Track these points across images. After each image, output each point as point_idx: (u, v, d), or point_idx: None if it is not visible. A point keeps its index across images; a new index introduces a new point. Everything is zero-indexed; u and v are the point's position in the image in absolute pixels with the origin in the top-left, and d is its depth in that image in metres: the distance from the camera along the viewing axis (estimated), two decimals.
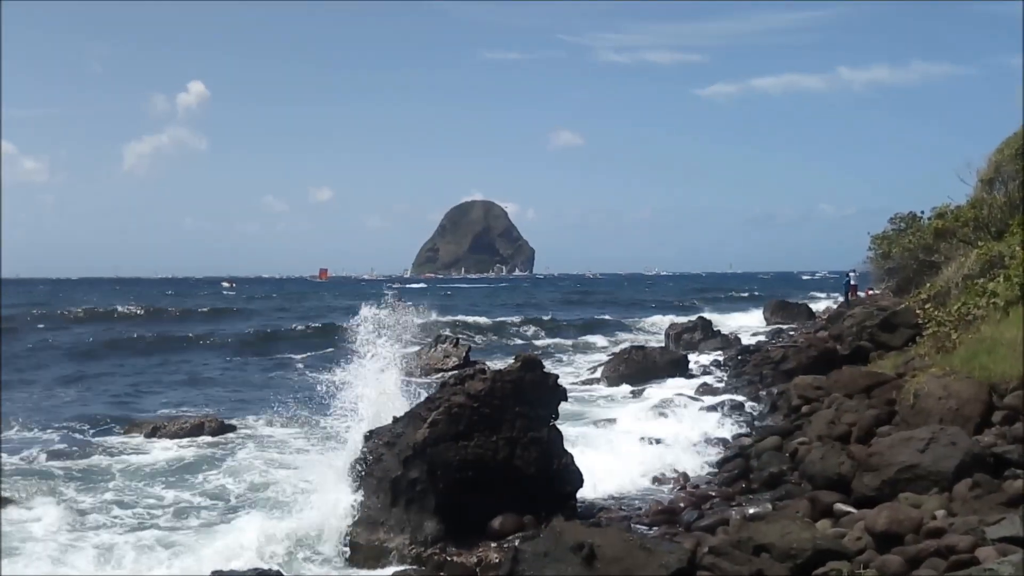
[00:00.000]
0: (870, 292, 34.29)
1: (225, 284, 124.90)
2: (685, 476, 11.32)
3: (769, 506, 8.95)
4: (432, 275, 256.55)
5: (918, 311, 16.05)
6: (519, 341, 35.59)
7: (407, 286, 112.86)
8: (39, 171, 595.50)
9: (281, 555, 8.74)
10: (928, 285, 19.02)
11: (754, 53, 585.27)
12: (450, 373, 16.53)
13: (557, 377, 10.40)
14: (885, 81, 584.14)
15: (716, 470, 11.45)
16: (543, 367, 10.33)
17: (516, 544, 7.76)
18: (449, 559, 8.59)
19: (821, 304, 46.20)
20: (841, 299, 39.25)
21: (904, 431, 9.08)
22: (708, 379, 19.91)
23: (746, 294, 73.89)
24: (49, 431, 15.73)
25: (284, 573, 7.74)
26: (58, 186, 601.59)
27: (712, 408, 15.23)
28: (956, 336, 12.76)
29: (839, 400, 11.39)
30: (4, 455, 13.35)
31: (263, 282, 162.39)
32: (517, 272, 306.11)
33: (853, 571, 6.45)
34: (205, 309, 55.29)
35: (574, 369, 24.57)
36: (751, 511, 8.77)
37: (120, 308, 52.37)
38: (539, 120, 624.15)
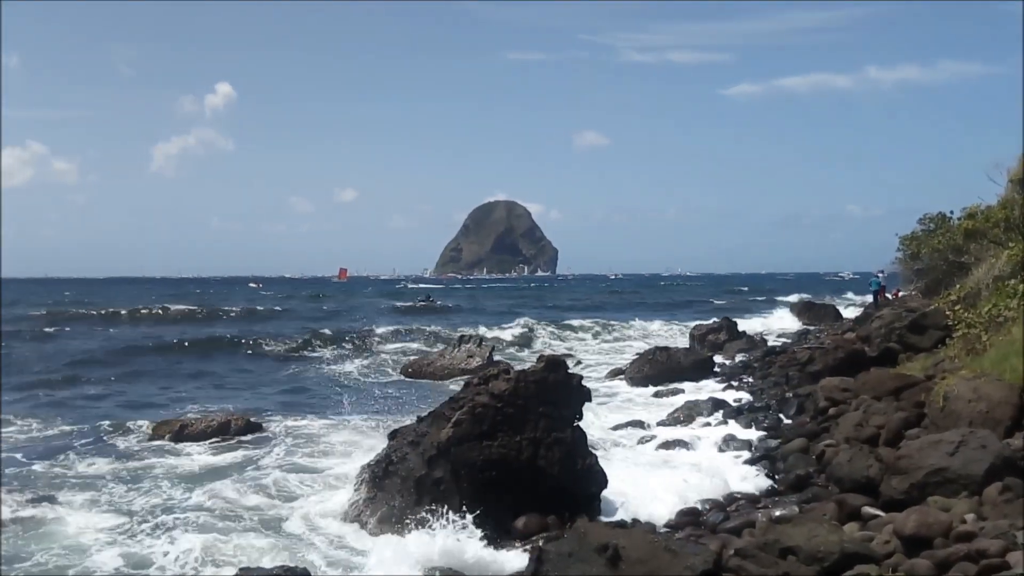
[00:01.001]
0: (898, 293, 33.89)
1: (252, 284, 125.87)
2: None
3: (796, 508, 8.89)
4: (453, 275, 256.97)
5: (948, 313, 15.82)
6: (543, 342, 35.58)
7: (421, 286, 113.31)
8: (69, 172, 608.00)
9: (314, 552, 8.83)
10: (958, 286, 18.72)
11: (780, 52, 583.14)
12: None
13: (581, 378, 10.40)
14: (914, 80, 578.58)
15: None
16: (567, 367, 10.35)
17: (540, 544, 7.76)
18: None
19: (852, 312, 39.82)
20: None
21: (933, 434, 8.98)
22: (733, 381, 19.77)
23: (772, 296, 73.21)
24: (80, 431, 15.87)
25: (311, 572, 7.78)
26: (88, 187, 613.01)
27: (737, 410, 15.16)
28: (986, 338, 12.58)
29: (867, 402, 11.27)
30: (37, 457, 13.54)
31: (285, 282, 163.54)
32: (539, 272, 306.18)
33: (881, 574, 6.40)
34: (237, 309, 55.62)
35: (598, 370, 24.49)
36: (777, 513, 8.71)
37: (150, 308, 52.95)
38: (563, 120, 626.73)
